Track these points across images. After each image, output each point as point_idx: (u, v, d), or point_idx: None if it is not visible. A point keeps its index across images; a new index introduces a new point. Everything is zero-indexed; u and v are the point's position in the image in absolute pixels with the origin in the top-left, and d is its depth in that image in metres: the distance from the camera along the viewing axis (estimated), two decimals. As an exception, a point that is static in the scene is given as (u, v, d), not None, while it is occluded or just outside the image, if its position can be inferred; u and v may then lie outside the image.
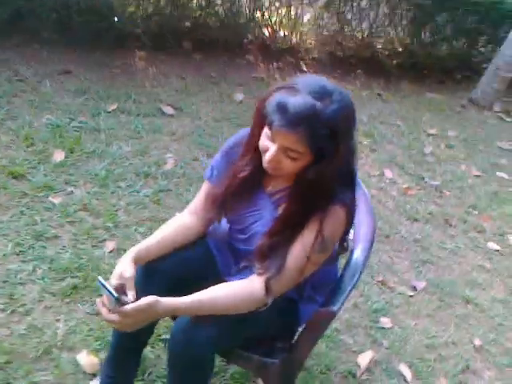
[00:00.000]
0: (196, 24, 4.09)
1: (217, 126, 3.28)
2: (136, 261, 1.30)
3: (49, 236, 2.08)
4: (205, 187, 1.46)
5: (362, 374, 1.94)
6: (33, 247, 2.00)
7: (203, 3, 4.07)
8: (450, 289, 2.56)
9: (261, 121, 1.22)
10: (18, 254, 1.96)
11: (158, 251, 1.36)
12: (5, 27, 3.23)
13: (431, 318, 2.35)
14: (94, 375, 1.61)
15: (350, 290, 1.43)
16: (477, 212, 3.37)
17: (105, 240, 2.15)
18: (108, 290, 1.14)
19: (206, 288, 1.25)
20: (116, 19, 3.68)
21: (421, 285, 2.53)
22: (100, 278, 1.19)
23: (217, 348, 1.27)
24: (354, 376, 1.92)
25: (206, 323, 1.21)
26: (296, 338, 1.46)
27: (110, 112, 3.01)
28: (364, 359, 1.99)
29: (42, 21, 3.30)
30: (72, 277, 1.93)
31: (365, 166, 3.39)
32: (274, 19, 4.47)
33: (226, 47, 4.16)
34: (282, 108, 1.11)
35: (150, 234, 2.16)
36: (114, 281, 1.23)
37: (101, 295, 1.22)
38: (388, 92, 4.75)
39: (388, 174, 3.42)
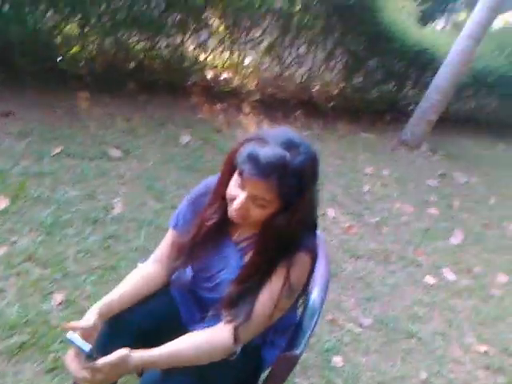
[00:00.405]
0: (141, 66, 4.13)
1: (164, 168, 3.30)
2: (100, 316, 1.29)
3: (-7, 289, 1.99)
4: (170, 235, 1.47)
5: (319, 415, 1.99)
6: (-23, 302, 1.91)
7: (147, 45, 4.12)
8: (395, 324, 2.69)
9: (230, 170, 1.27)
10: (-40, 310, 1.86)
11: (122, 304, 1.35)
12: None
13: (379, 354, 2.45)
14: None
15: (311, 332, 1.49)
16: (413, 247, 3.57)
17: (52, 292, 2.09)
18: (78, 346, 1.13)
19: (172, 339, 1.26)
20: (59, 59, 3.64)
21: (367, 321, 2.64)
22: (69, 333, 1.17)
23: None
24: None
25: (174, 375, 1.22)
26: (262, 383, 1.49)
27: (54, 155, 2.96)
28: (320, 401, 2.04)
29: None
30: (20, 333, 1.85)
31: (309, 206, 3.52)
32: (217, 62, 4.60)
33: (170, 89, 4.22)
34: (253, 158, 1.17)
35: (101, 282, 2.20)
36: (77, 334, 1.21)
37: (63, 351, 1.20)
38: (326, 132, 4.98)
39: (331, 213, 3.56)
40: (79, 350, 1.15)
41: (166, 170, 3.28)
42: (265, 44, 4.79)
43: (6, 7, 3.34)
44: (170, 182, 3.17)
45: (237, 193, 1.24)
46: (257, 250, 1.31)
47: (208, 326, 1.32)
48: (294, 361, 1.42)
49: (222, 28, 4.38)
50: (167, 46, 4.18)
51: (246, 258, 1.35)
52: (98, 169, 3.01)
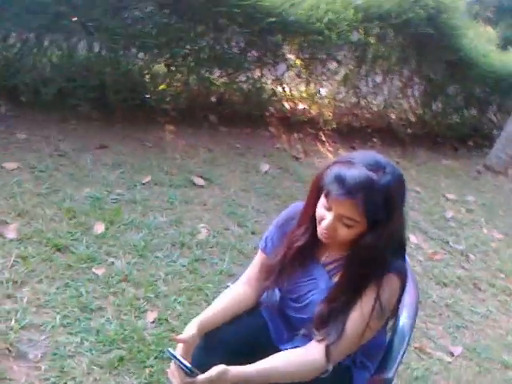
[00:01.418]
0: (221, 99, 4.32)
1: (245, 196, 3.40)
2: (199, 330, 1.35)
3: (93, 308, 2.13)
4: (259, 258, 1.53)
5: None
6: (79, 319, 2.05)
7: (228, 80, 4.32)
8: (487, 354, 2.56)
9: (317, 192, 1.32)
10: (65, 326, 2.00)
11: (217, 321, 1.41)
12: (47, 105, 3.45)
13: (472, 385, 2.33)
14: None
15: (402, 357, 1.47)
16: (504, 275, 3.40)
17: (146, 310, 2.20)
18: (180, 361, 1.19)
19: (261, 357, 1.29)
20: (147, 96, 3.91)
21: (458, 350, 2.53)
22: (170, 349, 1.25)
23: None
24: None
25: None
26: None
27: (144, 184, 3.15)
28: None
29: (81, 99, 3.52)
30: (118, 348, 1.96)
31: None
32: (294, 93, 4.71)
33: (249, 120, 4.37)
34: (340, 179, 1.21)
35: (189, 303, 2.29)
36: (180, 349, 1.28)
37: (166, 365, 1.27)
38: (404, 160, 4.90)
39: (413, 239, 3.48)
40: (179, 365, 1.21)
41: (246, 197, 3.38)
42: (341, 75, 4.85)
43: (103, 51, 3.66)
44: (251, 209, 3.25)
45: (324, 213, 1.28)
46: (346, 269, 1.34)
47: (298, 345, 1.35)
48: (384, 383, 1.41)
49: (298, 61, 4.50)
50: (246, 80, 4.35)
51: (335, 280, 1.37)
52: (184, 196, 3.16)
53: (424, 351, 2.45)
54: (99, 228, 2.62)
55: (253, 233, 3.00)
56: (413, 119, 5.47)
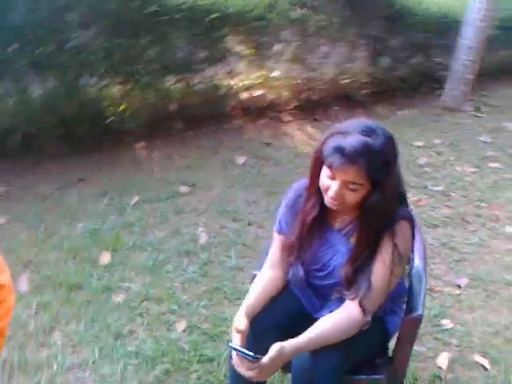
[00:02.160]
0: (182, 105, 4.39)
1: (231, 191, 3.50)
2: (247, 318, 1.48)
3: (125, 333, 2.22)
4: (277, 241, 1.64)
5: (446, 374, 2.09)
6: (115, 347, 2.13)
7: (183, 86, 4.38)
8: (490, 277, 2.75)
9: (319, 166, 1.43)
10: (105, 358, 2.09)
11: (258, 309, 1.53)
12: (16, 152, 3.47)
13: (484, 308, 2.52)
14: None
15: (424, 294, 1.62)
16: (486, 204, 3.60)
17: (174, 322, 2.30)
18: (242, 352, 1.31)
19: (302, 329, 1.41)
20: (110, 120, 3.95)
21: (463, 281, 2.71)
22: (231, 343, 1.37)
23: (336, 375, 1.41)
24: (440, 378, 2.06)
25: (322, 353, 1.38)
26: (391, 350, 1.62)
27: (134, 205, 3.22)
28: (443, 361, 2.14)
29: (48, 139, 3.54)
30: (161, 363, 2.06)
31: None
32: (249, 82, 4.80)
33: (213, 118, 4.46)
34: (339, 149, 1.33)
35: (212, 305, 2.39)
36: (237, 338, 1.40)
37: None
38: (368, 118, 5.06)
39: (396, 192, 3.64)
40: (242, 355, 1.33)
41: (233, 193, 3.48)
42: (289, 54, 4.96)
43: (57, 87, 3.67)
44: (241, 202, 3.36)
45: (329, 183, 1.40)
46: (361, 229, 1.46)
47: (333, 309, 1.47)
48: (418, 322, 1.56)
49: (247, 50, 4.59)
50: (201, 81, 4.42)
51: (352, 240, 1.49)
52: (174, 207, 3.24)
53: (434, 290, 2.62)
54: (105, 258, 2.69)
55: (249, 224, 3.12)
56: (366, 79, 5.63)
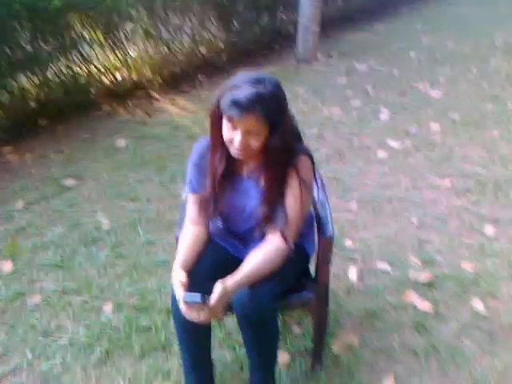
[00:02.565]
0: (46, 99, 4.17)
1: (119, 174, 3.46)
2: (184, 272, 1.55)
3: (53, 328, 2.16)
4: (192, 200, 1.71)
5: (358, 284, 2.37)
6: (47, 344, 2.07)
7: (38, 81, 4.15)
8: (374, 198, 3.11)
9: (218, 122, 1.53)
10: (39, 356, 2.02)
11: (190, 263, 1.62)
12: None
13: (375, 224, 2.86)
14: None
15: (331, 217, 1.82)
16: (356, 137, 3.99)
17: (101, 306, 2.27)
18: (194, 300, 1.40)
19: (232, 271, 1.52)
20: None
21: (354, 206, 3.03)
22: (183, 296, 1.44)
23: (274, 299, 1.55)
24: (353, 288, 2.33)
25: (259, 286, 1.51)
26: (313, 271, 1.81)
27: (21, 209, 3.05)
28: (352, 274, 2.44)
29: None
30: (99, 345, 2.05)
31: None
32: (107, 65, 4.68)
33: (80, 108, 4.31)
34: (236, 102, 1.42)
35: (134, 282, 2.41)
36: (181, 290, 1.47)
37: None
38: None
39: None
40: (191, 302, 1.41)
41: (122, 176, 3.44)
42: (141, 31, 4.91)
43: None
44: (133, 183, 3.35)
45: (232, 135, 1.50)
46: (267, 171, 1.59)
47: (256, 246, 1.60)
48: (331, 241, 1.75)
49: (97, 34, 4.46)
50: (58, 73, 4.22)
51: (261, 183, 1.62)
52: (66, 201, 3.13)
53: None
54: (7, 266, 2.56)
55: (148, 201, 3.13)
56: (222, 46, 5.78)
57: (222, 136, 1.54)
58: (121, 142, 3.90)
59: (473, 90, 5.11)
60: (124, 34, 4.78)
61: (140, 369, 1.96)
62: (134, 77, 4.90)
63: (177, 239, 1.76)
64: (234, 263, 1.61)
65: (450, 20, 8.41)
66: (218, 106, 1.51)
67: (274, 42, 6.27)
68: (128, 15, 4.69)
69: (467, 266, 2.50)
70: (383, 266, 2.51)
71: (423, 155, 3.70)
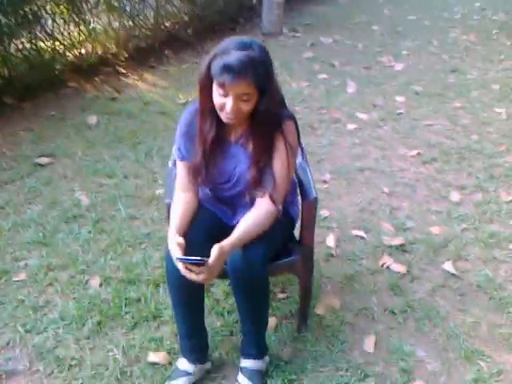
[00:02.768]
0: (6, 78, 4.06)
1: (95, 151, 3.44)
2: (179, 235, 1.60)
3: (42, 304, 2.18)
4: (181, 167, 1.75)
5: (336, 251, 2.49)
6: (37, 319, 2.10)
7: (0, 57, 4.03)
8: (346, 168, 3.23)
9: (207, 89, 1.56)
10: (31, 331, 2.05)
11: (184, 228, 1.66)
12: None
13: (348, 194, 3.00)
14: None
15: (313, 181, 1.91)
16: (325, 110, 4.10)
17: (88, 280, 2.31)
18: (190, 259, 1.45)
19: (226, 236, 1.59)
20: None
21: (327, 177, 3.15)
22: (179, 257, 1.49)
23: (265, 261, 1.64)
24: (332, 255, 2.46)
25: (252, 246, 1.59)
26: (298, 234, 1.91)
27: (-3, 190, 3.02)
28: (330, 242, 2.56)
29: None
30: (90, 318, 2.10)
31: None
32: (72, 40, 4.57)
33: (48, 84, 4.22)
34: (228, 67, 1.46)
35: (119, 255, 2.45)
36: (179, 252, 1.52)
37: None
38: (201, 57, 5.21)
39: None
40: (191, 263, 1.47)
41: (97, 153, 3.43)
42: (104, 4, 4.80)
43: None
44: (110, 159, 3.34)
45: (223, 100, 1.54)
46: (255, 135, 1.65)
47: (245, 213, 1.67)
48: (315, 203, 1.84)
49: (61, 8, 4.35)
50: (21, 49, 4.11)
51: (250, 147, 1.68)
52: (42, 179, 3.10)
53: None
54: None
55: (125, 177, 3.14)
56: (186, 19, 5.71)
57: (211, 102, 1.57)
58: (92, 119, 3.86)
59: (434, 63, 5.29)
60: (87, 6, 4.66)
61: (133, 338, 2.02)
62: (99, 51, 4.80)
63: (167, 206, 1.81)
64: (224, 228, 1.69)
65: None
66: (207, 73, 1.53)
67: (239, 15, 6.24)
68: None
69: (436, 231, 2.66)
70: (359, 232, 2.64)
71: (390, 127, 3.84)
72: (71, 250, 2.52)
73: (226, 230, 1.64)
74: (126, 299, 2.20)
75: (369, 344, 1.99)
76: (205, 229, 1.73)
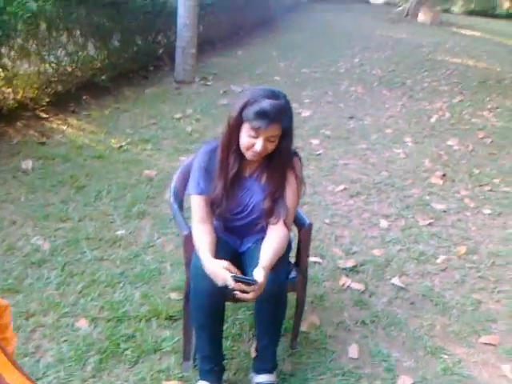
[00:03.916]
0: None
1: (38, 196, 3.37)
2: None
3: (32, 351, 2.14)
4: (199, 200, 1.92)
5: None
6: (29, 366, 2.07)
7: None
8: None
9: (237, 131, 1.79)
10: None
11: (213, 255, 1.82)
12: None
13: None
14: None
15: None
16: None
17: (74, 322, 2.30)
18: (244, 278, 1.63)
19: (237, 262, 1.81)
20: None
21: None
22: (236, 276, 1.65)
23: (286, 279, 1.88)
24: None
25: (277, 267, 1.81)
26: (294, 256, 2.16)
27: None
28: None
29: None
30: (87, 358, 2.12)
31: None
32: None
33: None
34: (262, 113, 1.71)
35: (99, 295, 2.50)
36: (229, 274, 1.68)
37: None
38: (121, 102, 5.31)
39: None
40: (244, 282, 1.65)
41: (41, 197, 3.35)
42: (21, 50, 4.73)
43: None
44: (57, 203, 3.30)
45: (253, 141, 1.77)
46: (271, 170, 1.90)
47: (257, 239, 1.91)
48: (310, 229, 2.12)
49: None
50: None
51: (263, 179, 1.93)
52: None
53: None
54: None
55: (79, 220, 3.14)
56: (100, 65, 5.78)
57: (237, 142, 1.81)
58: (27, 164, 3.77)
59: (334, 110, 5.97)
60: (5, 51, 4.56)
61: (139, 372, 2.07)
62: (19, 96, 4.69)
63: (185, 237, 1.94)
64: (234, 255, 1.92)
65: (295, 46, 9.47)
66: (239, 117, 1.76)
67: (151, 63, 6.46)
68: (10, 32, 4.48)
69: (377, 253, 3.08)
70: (315, 259, 2.95)
71: (314, 166, 4.30)
72: (47, 294, 2.48)
73: (236, 256, 1.85)
74: (121, 336, 2.24)
75: (353, 351, 2.27)
76: (223, 256, 1.91)
